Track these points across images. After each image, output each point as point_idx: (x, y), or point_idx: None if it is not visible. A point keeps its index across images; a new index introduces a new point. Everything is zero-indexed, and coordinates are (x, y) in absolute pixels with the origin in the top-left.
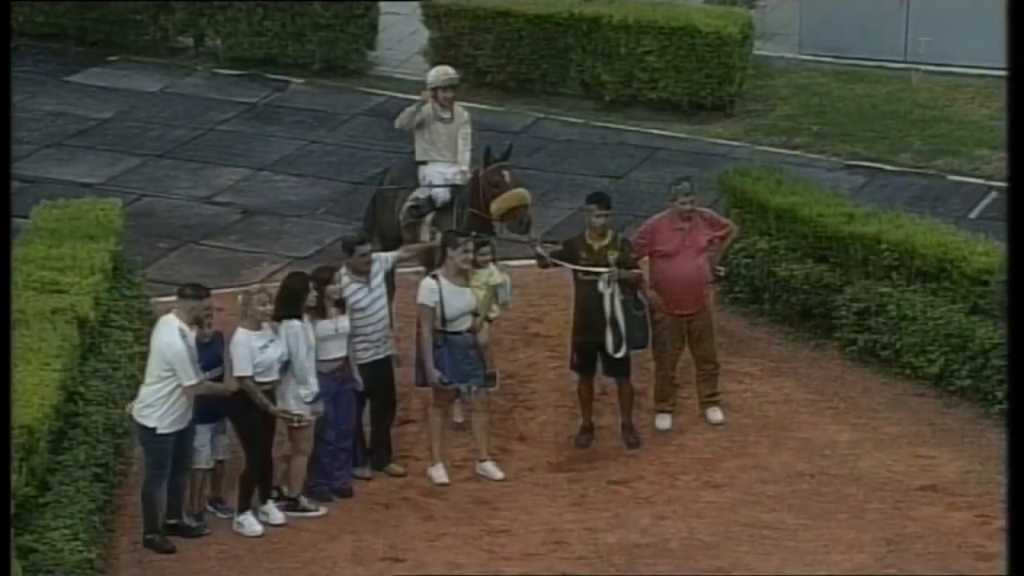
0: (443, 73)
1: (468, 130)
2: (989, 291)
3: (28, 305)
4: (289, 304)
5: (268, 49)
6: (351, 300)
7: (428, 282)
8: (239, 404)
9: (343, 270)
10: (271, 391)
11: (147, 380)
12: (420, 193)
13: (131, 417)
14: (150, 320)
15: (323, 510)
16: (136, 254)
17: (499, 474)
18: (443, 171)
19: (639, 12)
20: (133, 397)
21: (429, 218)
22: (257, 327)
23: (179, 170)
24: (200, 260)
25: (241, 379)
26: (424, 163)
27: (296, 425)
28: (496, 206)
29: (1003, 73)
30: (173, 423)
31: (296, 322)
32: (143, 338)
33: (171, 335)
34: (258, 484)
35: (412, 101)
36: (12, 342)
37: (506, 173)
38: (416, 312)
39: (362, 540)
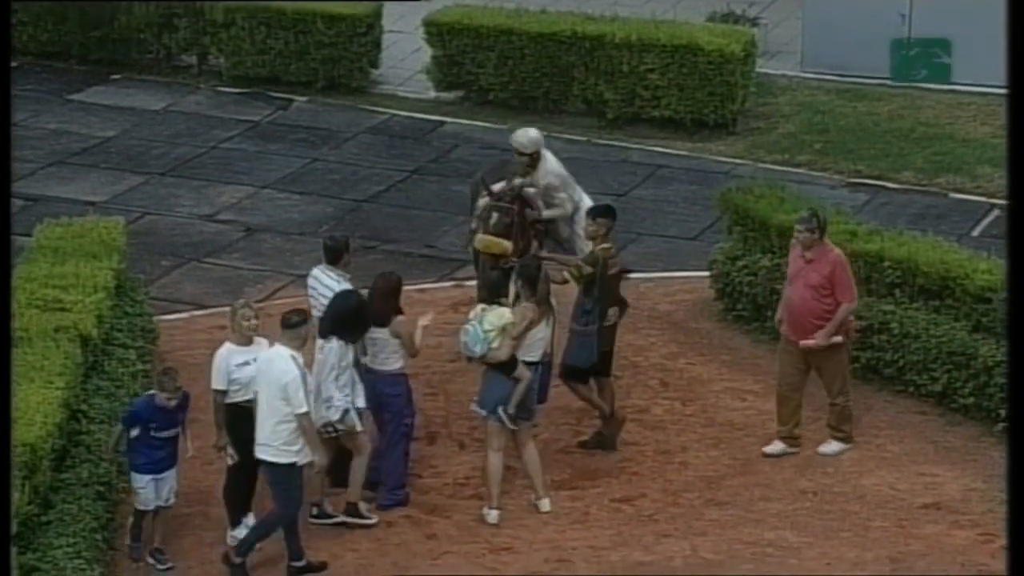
0: (513, 137)
1: (555, 182)
2: (992, 309)
3: (31, 323)
4: (352, 329)
5: (271, 67)
6: None
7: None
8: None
9: (333, 274)
10: (250, 408)
11: (277, 418)
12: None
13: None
14: (153, 338)
15: (375, 519)
16: (139, 272)
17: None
18: None
19: (642, 30)
20: None
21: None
22: (246, 343)
23: (182, 188)
24: (203, 278)
25: (213, 392)
26: None
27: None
28: (478, 241)
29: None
30: (307, 454)
31: (336, 341)
32: (146, 356)
33: (287, 364)
34: (243, 497)
35: (415, 119)
36: (14, 360)
37: (496, 215)
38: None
39: (365, 558)
